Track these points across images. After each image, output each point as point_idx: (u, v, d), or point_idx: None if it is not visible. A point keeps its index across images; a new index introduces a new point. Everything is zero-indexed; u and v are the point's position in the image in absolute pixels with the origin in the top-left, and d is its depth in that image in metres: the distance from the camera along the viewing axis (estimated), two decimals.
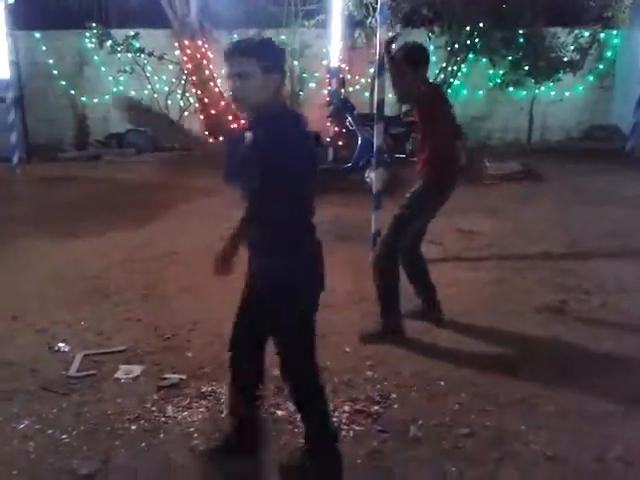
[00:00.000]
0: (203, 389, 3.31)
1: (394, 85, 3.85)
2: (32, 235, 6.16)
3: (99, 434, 2.93)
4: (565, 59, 10.26)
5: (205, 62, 10.44)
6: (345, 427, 2.96)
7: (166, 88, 10.76)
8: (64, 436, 2.92)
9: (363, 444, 2.84)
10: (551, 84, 10.49)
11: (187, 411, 3.12)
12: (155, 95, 10.72)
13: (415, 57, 3.81)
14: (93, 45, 10.49)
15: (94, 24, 10.30)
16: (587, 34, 10.37)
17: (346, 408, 3.11)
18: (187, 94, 10.81)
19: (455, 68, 10.41)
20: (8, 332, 4.03)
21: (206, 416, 3.08)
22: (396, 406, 3.15)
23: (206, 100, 10.52)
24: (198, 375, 3.46)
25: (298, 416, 3.00)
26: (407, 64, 3.78)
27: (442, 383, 3.36)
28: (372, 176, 6.33)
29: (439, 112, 3.90)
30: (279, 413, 3.10)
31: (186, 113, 10.89)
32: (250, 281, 2.57)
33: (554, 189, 7.92)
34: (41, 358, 3.68)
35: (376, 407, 3.12)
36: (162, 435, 2.93)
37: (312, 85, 10.68)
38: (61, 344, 3.83)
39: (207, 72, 10.48)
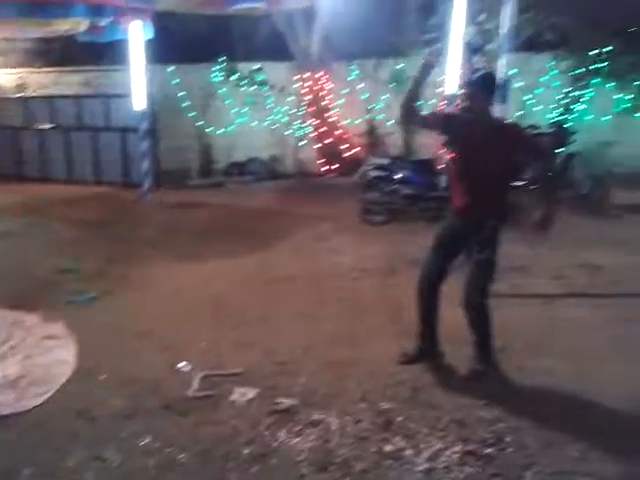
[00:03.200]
0: (314, 416, 3.35)
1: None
2: (159, 257, 6.56)
3: (214, 455, 3.04)
4: None
5: (323, 93, 10.72)
6: (456, 468, 2.88)
7: (286, 119, 11.13)
8: (181, 455, 3.05)
9: None
10: None
11: (298, 437, 3.17)
12: (275, 126, 11.12)
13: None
14: (220, 78, 11.09)
15: (222, 58, 10.89)
16: None
17: (457, 448, 3.03)
18: (304, 124, 11.12)
19: (579, 93, 9.98)
20: (134, 350, 4.30)
21: (316, 444, 3.11)
22: (511, 449, 3.02)
23: (322, 130, 10.77)
24: (310, 402, 3.51)
25: (407, 452, 2.98)
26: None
27: (561, 428, 3.18)
28: None
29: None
30: (387, 448, 3.06)
31: (303, 142, 11.20)
32: None
33: None
34: (163, 377, 3.88)
35: (489, 449, 3.01)
36: (273, 460, 2.99)
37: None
38: (182, 363, 4.03)
39: (324, 102, 10.74)
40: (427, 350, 3.93)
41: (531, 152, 3.93)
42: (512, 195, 3.84)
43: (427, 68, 3.69)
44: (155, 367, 4.01)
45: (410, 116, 3.68)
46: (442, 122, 3.81)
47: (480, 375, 3.75)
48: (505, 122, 3.86)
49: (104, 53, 11.49)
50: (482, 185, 3.65)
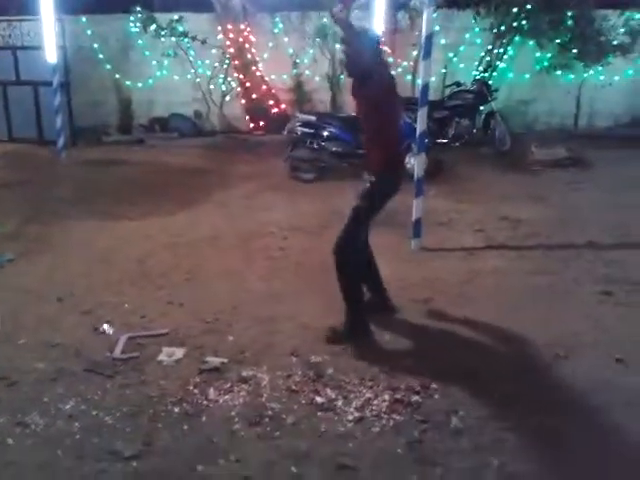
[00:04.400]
0: (244, 373, 3.34)
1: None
2: (77, 217, 6.29)
3: (142, 416, 2.99)
4: (615, 42, 9.88)
5: (247, 46, 10.43)
6: (385, 416, 2.95)
7: (209, 72, 10.79)
8: (108, 418, 2.98)
9: (403, 434, 2.83)
10: (600, 68, 10.13)
11: (228, 394, 3.15)
12: (198, 79, 10.77)
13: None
14: (137, 29, 10.57)
15: (138, 8, 10.38)
16: (638, 16, 9.97)
17: (386, 397, 3.10)
18: (229, 78, 10.82)
19: (501, 51, 10.16)
20: (54, 314, 4.14)
21: (247, 400, 3.10)
22: (437, 396, 3.12)
23: (248, 84, 10.53)
24: (239, 359, 3.49)
25: (337, 403, 3.02)
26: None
27: (483, 374, 3.31)
28: (413, 161, 6.26)
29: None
30: (318, 399, 3.10)
31: (228, 97, 10.92)
32: None
33: (602, 176, 7.69)
34: (86, 340, 3.76)
35: (416, 397, 3.10)
36: (204, 418, 2.96)
37: None
38: (105, 326, 3.91)
39: (249, 56, 10.47)
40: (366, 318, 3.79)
41: None
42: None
43: (339, 23, 3.63)
44: (77, 330, 3.88)
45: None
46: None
47: (339, 337, 3.67)
48: None
49: (12, 2, 10.72)
50: (397, 133, 3.66)
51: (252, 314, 4.06)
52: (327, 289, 3.96)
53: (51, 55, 9.03)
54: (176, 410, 3.03)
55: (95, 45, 10.71)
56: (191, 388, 3.21)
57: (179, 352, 3.56)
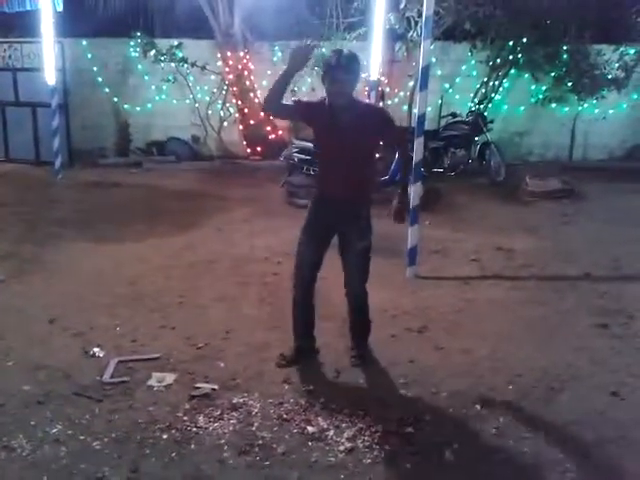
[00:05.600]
0: (234, 400, 3.29)
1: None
2: (73, 238, 6.26)
3: (130, 442, 2.93)
4: (610, 76, 10.03)
5: (246, 73, 10.53)
6: (377, 447, 2.90)
7: (207, 98, 10.86)
8: (95, 443, 2.92)
9: (394, 465, 2.78)
10: (594, 101, 10.26)
11: (218, 422, 3.10)
12: (196, 105, 10.84)
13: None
14: (137, 54, 10.67)
15: (139, 33, 10.49)
16: (633, 52, 10.14)
17: (378, 427, 3.05)
18: (227, 104, 10.90)
19: (497, 83, 10.29)
20: (45, 335, 4.08)
21: (237, 428, 3.05)
22: (429, 428, 3.07)
23: (246, 110, 10.60)
24: (230, 386, 3.44)
25: (329, 433, 2.98)
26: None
27: (479, 407, 3.28)
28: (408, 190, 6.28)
29: None
30: (309, 429, 3.05)
31: (226, 123, 10.98)
32: None
33: (596, 208, 7.73)
34: (76, 362, 3.71)
35: (409, 428, 3.05)
36: (193, 446, 2.91)
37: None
38: (96, 349, 3.86)
39: (248, 83, 10.56)
40: (306, 348, 3.80)
41: (392, 137, 3.76)
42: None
43: (297, 60, 3.45)
44: (67, 353, 3.83)
45: (272, 105, 3.50)
46: (302, 110, 3.62)
47: (366, 357, 3.78)
48: (369, 104, 3.79)
49: (13, 24, 10.83)
50: (338, 167, 3.51)
51: (244, 340, 4.02)
52: (322, 313, 3.93)
53: (50, 77, 9.09)
54: (165, 437, 2.97)
55: (95, 68, 10.78)
56: (180, 415, 3.16)
57: (169, 377, 3.51)
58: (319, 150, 3.71)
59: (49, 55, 9.05)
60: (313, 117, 3.58)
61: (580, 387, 3.50)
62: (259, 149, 10.63)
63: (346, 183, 3.51)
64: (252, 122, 10.61)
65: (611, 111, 10.45)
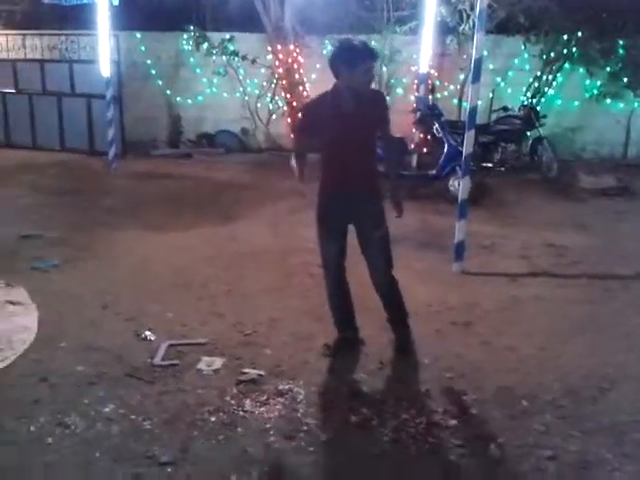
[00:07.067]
0: (280, 387, 3.35)
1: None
2: (124, 227, 6.43)
3: (179, 423, 3.02)
4: None
5: (296, 66, 10.58)
6: (421, 439, 2.91)
7: (257, 91, 10.97)
8: (146, 423, 3.02)
9: (438, 458, 2.78)
10: None
11: (264, 407, 3.16)
12: (246, 98, 10.96)
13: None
14: (190, 47, 10.85)
15: (192, 27, 10.67)
16: None
17: (423, 419, 3.06)
18: (276, 97, 10.99)
19: (550, 77, 10.07)
20: (98, 319, 4.22)
21: (282, 414, 3.11)
22: (476, 422, 3.06)
23: (294, 104, 10.66)
24: (276, 373, 3.50)
25: (373, 422, 3.00)
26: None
27: (526, 402, 3.24)
28: (457, 184, 6.22)
29: None
30: (353, 418, 3.08)
31: (274, 116, 11.07)
32: None
33: None
34: (128, 345, 3.83)
35: (454, 421, 3.05)
36: (239, 429, 2.98)
37: (399, 91, 10.59)
38: (147, 333, 3.98)
39: (297, 76, 10.61)
40: (349, 339, 3.82)
41: (384, 125, 3.77)
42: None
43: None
44: (119, 336, 3.96)
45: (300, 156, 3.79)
46: (311, 125, 3.67)
47: (409, 348, 3.76)
48: (372, 90, 3.69)
49: (70, 17, 11.15)
50: (345, 158, 3.57)
51: (290, 330, 4.08)
52: (365, 306, 3.94)
53: (105, 69, 9.34)
54: (212, 419, 3.05)
55: (148, 61, 11.02)
56: (228, 398, 3.23)
57: (218, 362, 3.59)
58: (325, 145, 3.69)
59: (104, 47, 9.29)
60: (319, 116, 3.58)
61: (629, 387, 3.42)
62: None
63: (354, 175, 3.56)
64: (300, 115, 10.67)
65: None
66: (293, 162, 3.76)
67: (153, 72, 11.04)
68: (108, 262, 5.41)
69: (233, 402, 3.20)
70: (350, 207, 3.64)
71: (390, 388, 3.37)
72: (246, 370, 3.50)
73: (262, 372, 3.48)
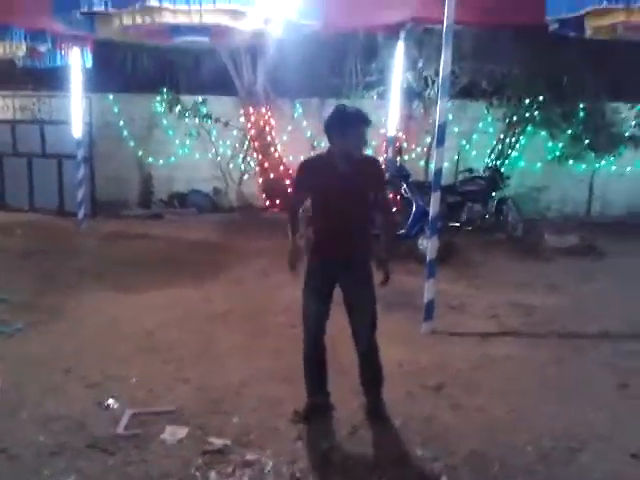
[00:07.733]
0: (247, 457, 3.26)
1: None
2: (92, 288, 6.33)
3: None
4: (626, 134, 10.12)
5: (268, 128, 10.78)
6: None
7: (229, 152, 11.10)
8: None
9: None
10: (612, 159, 10.33)
11: (230, 478, 3.06)
12: (218, 158, 11.08)
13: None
14: (163, 109, 10.99)
15: (165, 89, 10.84)
16: None
17: None
18: (248, 158, 11.12)
19: (513, 140, 10.41)
20: (60, 385, 4.10)
21: None
22: None
23: (266, 164, 10.80)
24: (243, 442, 3.41)
25: None
26: None
27: (498, 467, 3.20)
28: (425, 244, 6.29)
29: None
30: None
31: (246, 176, 11.18)
32: None
33: (615, 265, 7.66)
34: (90, 414, 3.71)
35: None
36: None
37: (369, 153, 10.79)
38: (111, 400, 3.86)
39: (269, 138, 10.80)
40: (319, 404, 3.76)
41: (379, 189, 3.77)
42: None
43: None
44: (82, 403, 3.84)
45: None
46: (305, 186, 3.72)
47: (381, 412, 3.72)
48: (366, 156, 3.76)
49: (43, 79, 11.22)
50: (338, 222, 3.57)
51: (259, 394, 4.00)
52: (337, 368, 3.90)
53: (77, 130, 9.39)
54: None
55: (121, 122, 11.11)
56: (192, 470, 3.13)
57: (182, 431, 3.50)
58: (318, 209, 3.71)
59: (77, 109, 9.37)
60: (314, 176, 3.64)
61: (600, 448, 3.42)
62: (278, 202, 10.77)
63: (346, 237, 3.57)
64: (272, 175, 10.79)
65: (629, 168, 10.48)
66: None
67: (125, 133, 11.12)
68: (74, 324, 5.30)
69: (198, 474, 3.10)
70: (340, 269, 3.64)
71: (362, 456, 3.31)
72: (212, 439, 3.41)
73: (228, 441, 3.39)
